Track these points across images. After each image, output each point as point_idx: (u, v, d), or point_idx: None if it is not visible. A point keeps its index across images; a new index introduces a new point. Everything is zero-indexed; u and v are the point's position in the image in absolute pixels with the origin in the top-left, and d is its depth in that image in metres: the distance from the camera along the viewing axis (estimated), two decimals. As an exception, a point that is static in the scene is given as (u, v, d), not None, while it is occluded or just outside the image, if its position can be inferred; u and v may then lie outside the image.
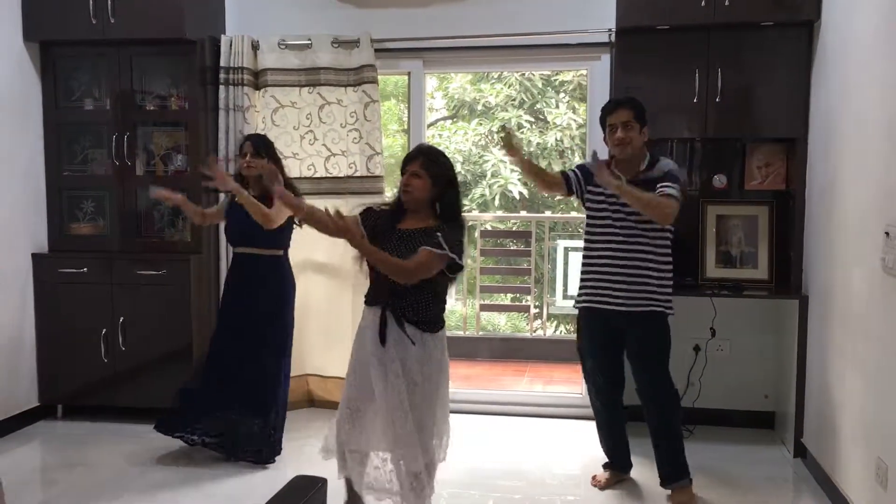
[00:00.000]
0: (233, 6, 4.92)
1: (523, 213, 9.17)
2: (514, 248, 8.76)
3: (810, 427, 4.02)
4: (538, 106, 9.37)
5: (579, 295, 3.72)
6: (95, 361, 4.60)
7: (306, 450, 4.16)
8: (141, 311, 4.57)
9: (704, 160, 4.56)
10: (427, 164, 2.97)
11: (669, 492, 3.65)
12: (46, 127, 4.70)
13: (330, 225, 2.83)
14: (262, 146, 4.05)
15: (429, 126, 7.71)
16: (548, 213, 9.21)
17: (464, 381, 5.85)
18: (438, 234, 2.89)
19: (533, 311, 7.01)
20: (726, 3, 4.05)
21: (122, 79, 4.66)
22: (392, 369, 2.95)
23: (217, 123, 4.71)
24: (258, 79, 4.76)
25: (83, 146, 4.87)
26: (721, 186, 4.48)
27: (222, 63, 4.68)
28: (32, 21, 4.53)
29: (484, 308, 7.20)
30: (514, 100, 9.19)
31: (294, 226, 4.08)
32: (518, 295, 8.37)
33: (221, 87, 4.68)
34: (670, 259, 3.54)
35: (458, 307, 7.45)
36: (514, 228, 8.83)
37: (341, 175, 4.76)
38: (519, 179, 9.12)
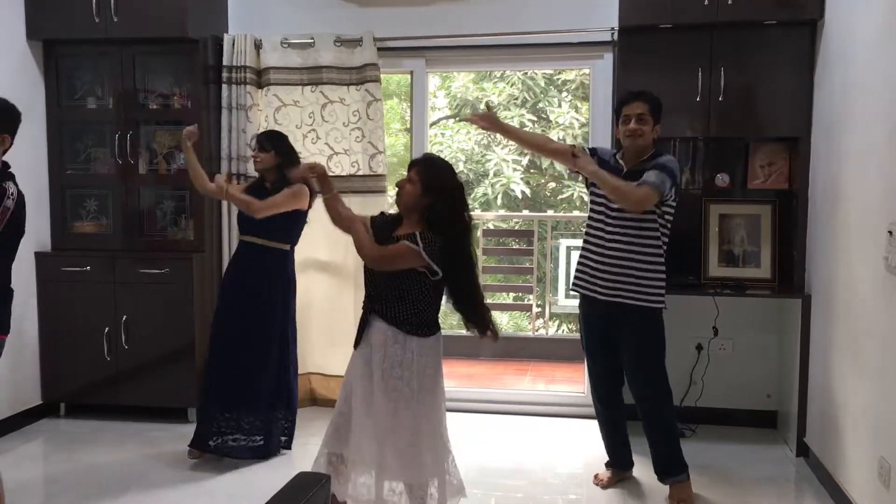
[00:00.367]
0: (235, 5, 4.92)
1: (525, 213, 9.16)
2: (517, 247, 8.75)
3: (813, 426, 4.02)
4: (541, 105, 9.36)
5: (574, 278, 3.74)
6: (98, 360, 4.61)
7: (309, 447, 4.16)
8: (144, 310, 4.58)
9: (707, 159, 4.56)
10: (423, 171, 2.97)
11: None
12: (49, 125, 4.72)
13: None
14: (266, 140, 4.05)
15: (431, 125, 7.72)
16: (550, 213, 9.21)
17: (466, 379, 5.86)
18: (417, 233, 2.90)
19: (535, 310, 7.01)
20: (729, 1, 4.05)
21: (124, 77, 4.66)
22: (371, 372, 2.97)
23: (220, 122, 4.71)
24: (261, 77, 4.76)
25: (86, 145, 4.87)
26: (724, 185, 4.48)
27: (225, 62, 4.68)
28: (36, 20, 4.54)
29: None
30: (516, 99, 9.19)
31: (305, 223, 4.10)
32: (520, 294, 8.37)
33: (224, 86, 4.69)
34: (660, 253, 3.49)
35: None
36: (516, 227, 8.82)
37: (344, 174, 4.76)
38: (522, 178, 9.11)
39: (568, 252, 7.66)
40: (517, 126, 7.99)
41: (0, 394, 4.40)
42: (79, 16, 4.47)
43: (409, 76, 5.00)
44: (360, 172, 4.72)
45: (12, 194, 2.96)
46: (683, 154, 4.55)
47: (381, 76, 4.71)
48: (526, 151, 8.68)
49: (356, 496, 3.02)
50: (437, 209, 2.93)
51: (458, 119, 3.33)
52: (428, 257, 2.87)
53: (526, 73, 8.96)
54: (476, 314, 3.02)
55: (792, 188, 4.35)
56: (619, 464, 3.86)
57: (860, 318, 3.37)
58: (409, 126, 5.31)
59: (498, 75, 9.29)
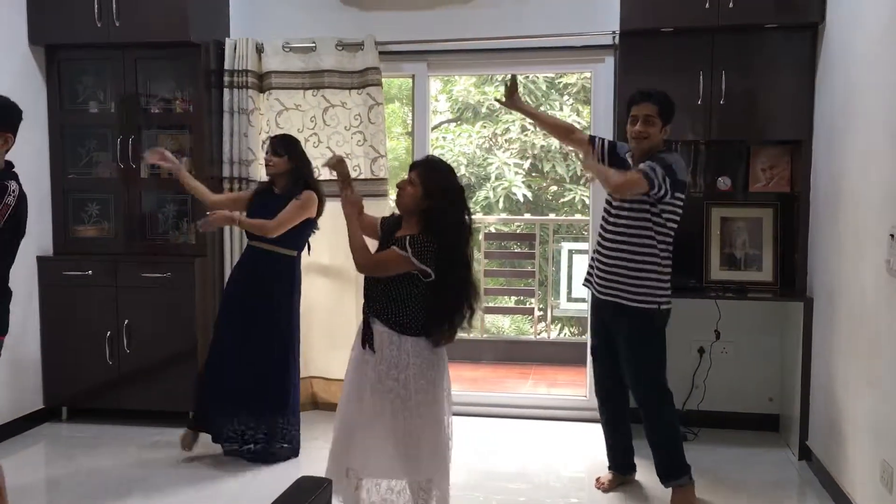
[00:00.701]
0: (237, 9, 4.93)
1: (527, 216, 9.16)
2: (518, 250, 8.75)
3: (815, 430, 4.01)
4: (542, 108, 9.37)
5: (585, 273, 3.80)
6: (100, 364, 4.61)
7: (311, 451, 4.16)
8: (146, 314, 4.58)
9: (709, 162, 4.56)
10: (424, 173, 2.98)
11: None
12: (51, 130, 4.72)
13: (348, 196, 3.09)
14: (280, 145, 4.06)
15: (433, 129, 7.72)
16: (552, 216, 9.21)
17: (468, 383, 5.85)
18: (407, 238, 2.90)
19: (537, 313, 7.01)
20: (730, 5, 4.05)
21: (126, 82, 4.67)
22: (367, 373, 2.99)
23: (221, 126, 4.72)
24: (262, 81, 4.77)
25: (88, 149, 4.88)
26: (725, 188, 4.48)
27: (226, 66, 4.69)
28: (38, 24, 4.55)
29: (488, 311, 7.21)
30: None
31: (314, 230, 4.12)
32: (522, 297, 8.37)
33: (226, 90, 4.70)
34: (654, 254, 3.46)
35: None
36: (518, 231, 8.82)
37: (345, 177, 4.75)
38: (523, 182, 9.12)
39: (570, 255, 7.66)
40: (520, 127, 8.00)
41: (2, 398, 4.40)
42: (81, 20, 4.48)
43: (410, 80, 5.01)
44: (362, 176, 4.72)
45: (13, 191, 2.96)
46: (685, 157, 4.53)
47: (383, 80, 4.71)
48: (528, 155, 8.68)
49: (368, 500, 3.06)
50: (436, 212, 2.93)
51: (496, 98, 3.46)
52: (418, 261, 2.87)
53: (527, 77, 8.97)
54: (444, 320, 2.98)
55: (793, 191, 4.35)
56: (622, 467, 3.85)
57: (862, 322, 3.36)
58: (410, 130, 5.31)
59: (499, 79, 9.28)
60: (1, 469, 3.10)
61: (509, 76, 3.93)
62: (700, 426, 4.47)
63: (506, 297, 8.56)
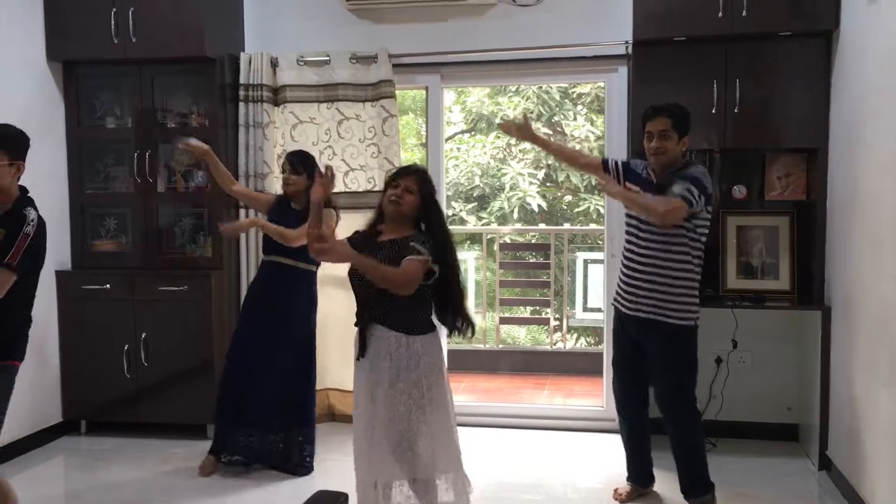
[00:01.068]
0: (252, 24, 4.97)
1: (542, 226, 9.16)
2: (534, 260, 8.75)
3: (835, 439, 3.98)
4: (556, 118, 9.38)
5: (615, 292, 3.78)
6: (118, 377, 4.63)
7: (328, 464, 4.16)
8: (163, 327, 4.60)
9: (724, 171, 4.54)
10: (421, 182, 3.03)
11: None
12: (69, 145, 4.77)
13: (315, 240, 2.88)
14: (298, 162, 4.08)
15: (447, 140, 7.74)
16: (567, 226, 9.20)
17: (484, 394, 5.84)
18: (412, 242, 2.93)
19: (553, 323, 6.99)
20: (744, 13, 4.05)
21: (143, 97, 4.71)
22: (377, 380, 2.99)
23: (237, 140, 4.76)
24: (277, 95, 4.80)
25: (105, 164, 4.93)
26: (741, 197, 4.46)
27: (242, 80, 4.73)
28: (55, 41, 4.60)
29: (503, 321, 7.19)
30: (531, 112, 9.21)
31: None
32: (538, 308, 8.36)
33: (241, 104, 4.74)
34: (689, 269, 3.48)
35: (477, 320, 7.43)
36: (533, 241, 8.82)
37: (360, 190, 4.78)
38: (538, 192, 9.12)
39: (585, 265, 7.64)
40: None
41: (21, 411, 4.41)
42: (98, 37, 4.53)
43: (424, 91, 5.03)
44: (377, 188, 4.73)
45: (32, 220, 2.95)
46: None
47: (397, 92, 4.74)
48: (542, 165, 8.69)
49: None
50: (433, 215, 3.03)
51: (497, 125, 3.46)
52: (427, 254, 2.92)
53: (541, 87, 8.98)
54: (459, 311, 3.07)
55: (810, 199, 4.33)
56: (640, 478, 3.83)
57: (881, 329, 3.34)
58: (424, 141, 5.33)
59: (513, 89, 9.32)
60: (12, 489, 3.11)
61: (521, 117, 3.93)
62: (718, 436, 4.44)
63: (521, 307, 8.54)
